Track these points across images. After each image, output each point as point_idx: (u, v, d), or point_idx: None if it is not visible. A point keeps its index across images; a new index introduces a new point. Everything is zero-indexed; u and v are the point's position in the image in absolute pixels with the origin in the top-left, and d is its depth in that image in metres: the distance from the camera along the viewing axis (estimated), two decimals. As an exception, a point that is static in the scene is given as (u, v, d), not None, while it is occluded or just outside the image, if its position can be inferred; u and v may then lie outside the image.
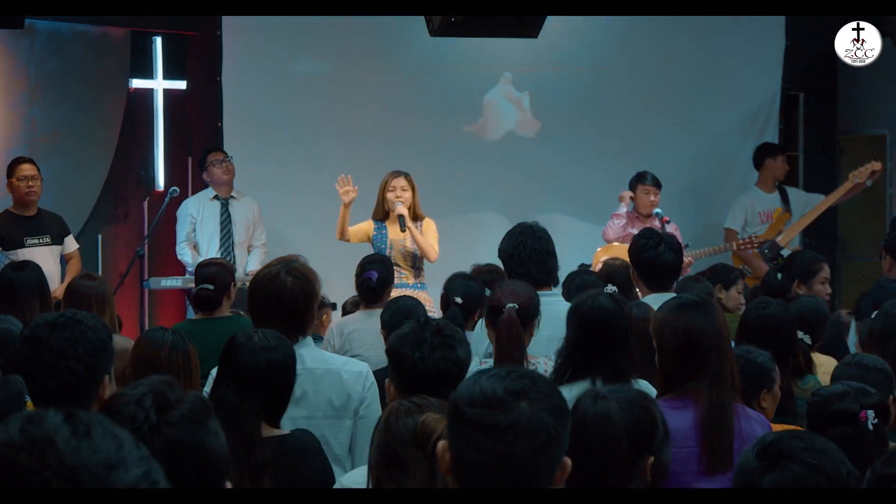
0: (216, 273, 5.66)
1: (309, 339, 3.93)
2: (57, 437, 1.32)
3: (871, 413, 3.29)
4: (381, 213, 7.56)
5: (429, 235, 7.54)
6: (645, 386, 3.81)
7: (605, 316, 3.87)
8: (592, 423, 2.80)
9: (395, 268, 7.21)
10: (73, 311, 3.14)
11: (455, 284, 5.50)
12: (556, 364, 3.99)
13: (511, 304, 4.22)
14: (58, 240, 7.53)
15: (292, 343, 3.81)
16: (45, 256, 7.32)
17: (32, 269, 5.91)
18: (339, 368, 3.94)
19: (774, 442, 2.47)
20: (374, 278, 5.91)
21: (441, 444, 2.10)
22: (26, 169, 7.45)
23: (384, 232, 7.54)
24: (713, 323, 3.55)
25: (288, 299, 3.82)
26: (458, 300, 5.24)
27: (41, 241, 7.43)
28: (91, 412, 1.39)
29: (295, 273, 3.86)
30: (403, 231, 7.43)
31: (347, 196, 7.48)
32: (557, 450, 2.05)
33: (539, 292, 4.83)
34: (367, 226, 7.59)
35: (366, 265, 6.05)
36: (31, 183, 7.43)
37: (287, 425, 3.73)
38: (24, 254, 7.20)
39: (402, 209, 7.41)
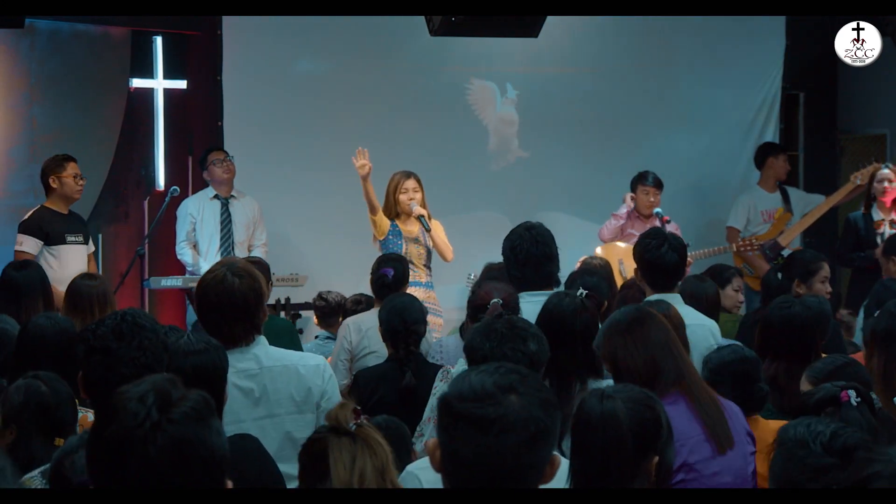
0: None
1: (262, 338, 3.92)
2: None
3: (852, 393, 3.30)
4: (392, 214, 7.59)
5: (441, 235, 7.60)
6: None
7: (560, 317, 3.97)
8: (598, 421, 2.80)
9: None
10: (131, 313, 3.16)
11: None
12: None
13: (496, 300, 4.26)
14: (87, 239, 7.56)
15: (248, 343, 3.84)
16: (80, 255, 7.40)
17: (35, 268, 5.93)
18: (296, 364, 3.94)
19: (836, 436, 2.54)
20: (389, 275, 5.93)
21: (431, 441, 2.10)
22: (76, 167, 7.43)
23: (398, 230, 7.57)
24: (660, 324, 3.73)
25: (238, 299, 3.81)
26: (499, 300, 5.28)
27: (77, 239, 7.44)
28: None
29: (241, 273, 3.85)
30: (428, 231, 7.47)
31: (363, 170, 7.50)
32: (546, 445, 2.05)
33: (539, 292, 4.86)
34: (386, 222, 7.63)
35: (382, 262, 6.08)
36: (81, 181, 7.44)
37: (250, 425, 3.73)
38: (64, 250, 7.27)
39: (420, 209, 7.46)
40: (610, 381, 3.95)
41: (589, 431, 2.81)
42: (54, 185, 7.35)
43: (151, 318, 3.19)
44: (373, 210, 7.58)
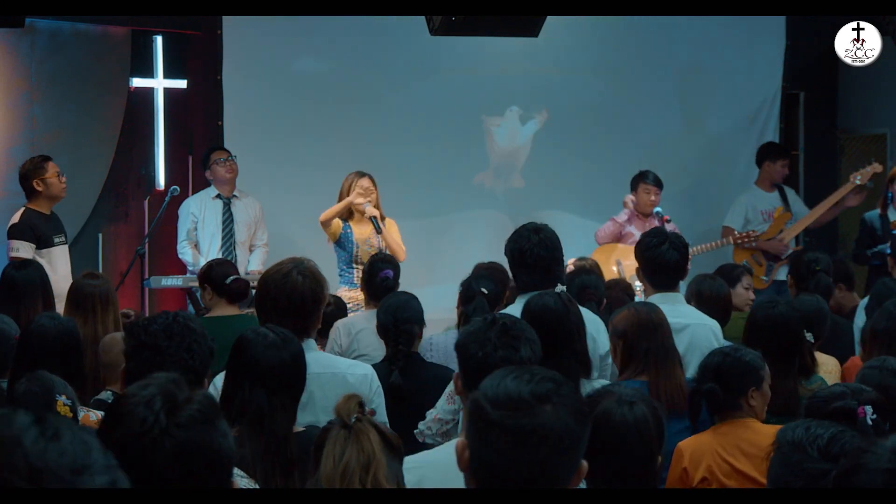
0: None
1: (311, 342, 3.94)
2: (24, 437, 1.31)
3: (868, 409, 3.28)
4: (346, 215, 7.56)
5: (395, 235, 7.56)
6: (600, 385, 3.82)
7: (548, 315, 3.92)
8: (628, 429, 2.79)
9: (359, 267, 7.34)
10: (182, 315, 3.18)
11: (481, 281, 5.55)
12: None
13: (482, 290, 4.24)
14: (68, 239, 7.50)
15: None
16: (65, 255, 7.31)
17: (35, 267, 5.92)
18: (344, 372, 3.96)
19: (834, 441, 2.51)
20: (390, 276, 5.91)
21: (460, 441, 2.07)
22: (55, 165, 7.26)
23: (349, 231, 7.56)
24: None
25: (297, 298, 3.85)
26: (485, 290, 5.27)
27: (61, 240, 7.32)
28: (58, 416, 1.39)
29: (306, 273, 3.90)
30: (379, 232, 7.45)
31: (365, 209, 7.46)
32: (577, 454, 2.03)
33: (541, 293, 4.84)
34: (337, 224, 7.62)
35: (378, 264, 6.02)
36: (63, 178, 7.27)
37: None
38: (52, 252, 7.14)
39: (373, 210, 7.44)
40: (603, 382, 3.94)
41: (614, 438, 2.78)
42: (39, 188, 7.18)
43: (200, 324, 3.21)
44: (326, 219, 7.59)
